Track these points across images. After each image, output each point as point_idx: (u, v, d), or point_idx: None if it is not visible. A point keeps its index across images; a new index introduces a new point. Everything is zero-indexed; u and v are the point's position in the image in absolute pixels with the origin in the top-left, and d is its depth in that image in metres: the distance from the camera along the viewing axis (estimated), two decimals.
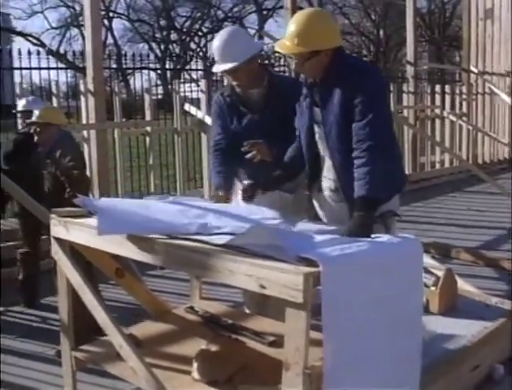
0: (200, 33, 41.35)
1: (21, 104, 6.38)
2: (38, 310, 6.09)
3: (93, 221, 3.20)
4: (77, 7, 39.30)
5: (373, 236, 3.02)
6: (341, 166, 3.49)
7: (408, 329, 2.81)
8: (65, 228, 3.32)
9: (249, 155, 3.90)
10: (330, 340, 2.48)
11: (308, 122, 3.62)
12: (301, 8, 9.39)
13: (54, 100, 7.76)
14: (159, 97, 9.07)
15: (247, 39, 4.18)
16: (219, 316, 3.98)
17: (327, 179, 3.67)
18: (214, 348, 3.32)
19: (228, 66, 3.93)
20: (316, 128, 3.60)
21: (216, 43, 4.01)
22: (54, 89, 8.02)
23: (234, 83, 4.14)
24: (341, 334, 2.52)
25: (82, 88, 7.47)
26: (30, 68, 8.89)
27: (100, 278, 4.65)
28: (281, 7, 33.00)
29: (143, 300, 4.13)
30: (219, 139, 4.29)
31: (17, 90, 7.92)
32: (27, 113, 6.16)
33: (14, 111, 6.41)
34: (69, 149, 5.57)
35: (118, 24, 39.57)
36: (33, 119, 5.63)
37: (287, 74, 10.82)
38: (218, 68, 4.06)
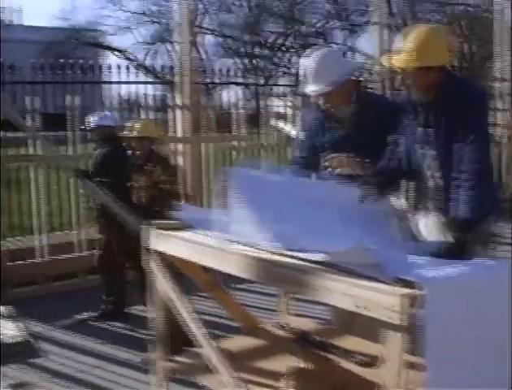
0: (284, 48, 41.53)
1: (93, 120, 6.50)
2: (127, 318, 6.24)
3: (188, 234, 3.25)
4: (164, 22, 40.44)
5: (469, 257, 2.98)
6: (447, 187, 3.44)
7: (498, 353, 2.72)
8: (160, 240, 3.39)
9: (328, 170, 3.89)
10: (433, 363, 2.43)
11: (415, 141, 3.57)
12: (389, 25, 9.32)
13: (144, 113, 7.95)
14: (246, 111, 9.07)
15: (340, 61, 4.16)
16: (308, 333, 3.96)
17: (432, 198, 3.61)
18: (306, 365, 3.30)
19: (322, 89, 3.92)
20: (424, 148, 3.54)
21: (309, 64, 3.98)
22: (141, 103, 8.21)
23: (324, 104, 4.11)
24: (445, 355, 2.47)
25: (174, 102, 7.62)
26: (120, 82, 9.05)
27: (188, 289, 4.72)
28: (367, 22, 32.75)
29: (233, 313, 4.16)
30: (301, 156, 4.30)
31: (107, 103, 8.09)
32: (100, 128, 6.33)
33: (86, 127, 6.51)
34: (163, 162, 5.68)
35: (208, 40, 40.27)
36: (133, 133, 5.72)
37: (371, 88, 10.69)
38: (310, 90, 4.02)
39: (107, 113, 6.77)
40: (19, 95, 7.99)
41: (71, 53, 37.23)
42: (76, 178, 5.88)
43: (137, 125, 5.82)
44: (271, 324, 4.20)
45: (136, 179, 5.69)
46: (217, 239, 3.16)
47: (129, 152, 5.95)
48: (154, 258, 3.49)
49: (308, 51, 4.14)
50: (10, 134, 7.80)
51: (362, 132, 4.00)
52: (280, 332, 4.06)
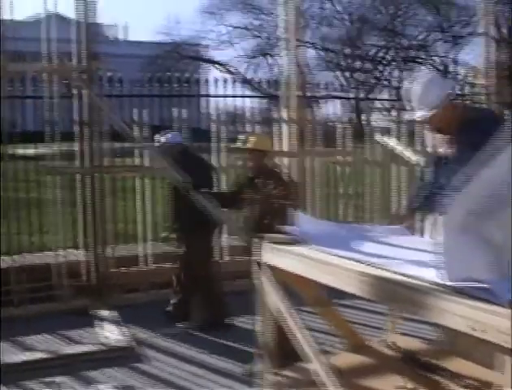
0: (385, 61, 41.09)
1: (162, 139, 6.61)
2: (230, 329, 6.35)
3: (301, 249, 3.30)
4: (265, 36, 40.88)
5: None
6: None
7: None
8: (273, 254, 3.44)
9: None
10: None
11: None
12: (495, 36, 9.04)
13: (249, 127, 8.06)
14: (349, 125, 9.01)
15: (442, 84, 4.11)
16: (415, 353, 3.91)
17: None
18: (413, 386, 3.27)
19: (425, 114, 3.90)
20: None
21: (412, 90, 3.98)
22: (245, 116, 8.32)
23: (430, 129, 4.08)
24: None
25: (279, 115, 7.70)
26: (225, 96, 9.19)
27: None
28: (471, 34, 31.94)
29: (340, 330, 4.16)
30: (416, 196, 4.28)
31: (213, 116, 8.17)
32: (170, 147, 6.47)
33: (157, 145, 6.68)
34: (276, 176, 5.68)
35: (310, 53, 40.29)
36: (246, 146, 5.78)
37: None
38: (413, 115, 4.02)
39: (175, 132, 6.88)
40: (126, 107, 8.30)
41: (174, 66, 38.34)
42: (183, 189, 6.02)
43: (250, 138, 5.86)
44: (378, 342, 4.18)
45: (248, 193, 5.71)
46: (330, 254, 3.19)
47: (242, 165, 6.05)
48: (265, 272, 3.55)
49: (410, 77, 4.13)
50: (117, 144, 8.14)
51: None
52: (387, 351, 4.04)
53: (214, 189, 6.61)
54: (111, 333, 6.06)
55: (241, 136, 6.05)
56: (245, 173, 5.95)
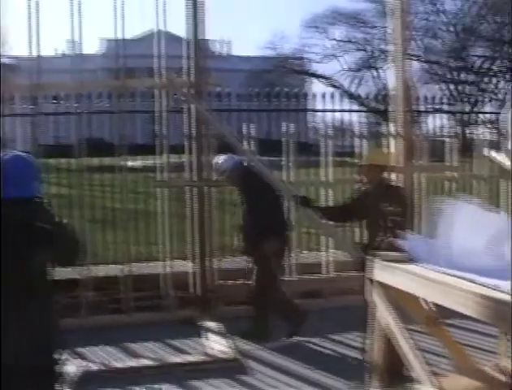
0: (491, 73, 39.80)
1: (216, 161, 6.66)
2: (334, 344, 6.28)
3: (412, 267, 3.22)
4: (372, 50, 40.57)
5: None
6: None
7: None
8: (386, 272, 3.38)
9: None
10: None
11: None
12: None
13: (357, 141, 7.96)
14: (456, 140, 8.74)
15: None
16: None
17: None
18: None
19: None
20: None
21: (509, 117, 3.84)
22: (352, 130, 8.24)
23: None
24: None
25: (387, 130, 7.57)
26: (332, 111, 9.11)
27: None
28: None
29: (450, 351, 4.03)
30: None
31: (321, 131, 8.12)
32: (231, 171, 6.47)
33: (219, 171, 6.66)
34: (395, 191, 5.50)
35: (414, 66, 39.68)
36: (365, 161, 5.67)
37: None
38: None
39: (230, 155, 6.73)
40: (234, 121, 8.42)
41: (279, 81, 38.68)
42: (297, 204, 6.01)
43: (369, 153, 5.76)
44: (490, 366, 4.02)
45: (365, 208, 5.57)
46: (440, 272, 3.10)
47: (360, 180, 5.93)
48: (376, 289, 3.49)
49: (507, 105, 3.98)
50: None
51: None
52: (499, 376, 3.86)
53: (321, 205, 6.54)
54: (217, 344, 6.12)
55: (359, 151, 5.93)
56: (360, 187, 5.83)
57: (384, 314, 3.44)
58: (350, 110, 9.74)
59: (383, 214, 5.12)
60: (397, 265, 3.38)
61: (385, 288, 3.49)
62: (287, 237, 6.67)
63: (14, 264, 2.98)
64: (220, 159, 6.61)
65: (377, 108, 10.97)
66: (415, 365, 3.25)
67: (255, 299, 6.39)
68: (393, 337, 3.39)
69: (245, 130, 7.62)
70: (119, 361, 5.87)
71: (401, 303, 3.72)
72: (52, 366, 3.19)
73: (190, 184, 7.22)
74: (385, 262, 3.47)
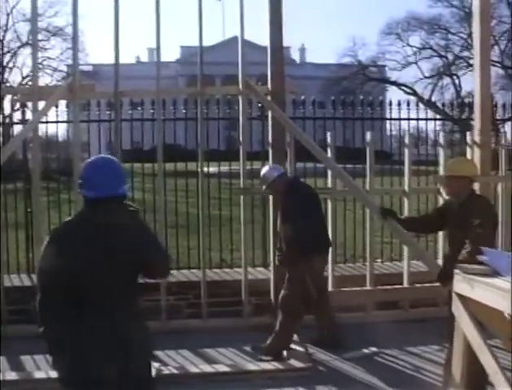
0: None
1: (262, 171, 6.56)
2: (411, 357, 6.17)
3: (496, 281, 3.13)
4: (450, 57, 39.84)
5: None
6: None
7: None
8: (469, 285, 3.29)
9: None
10: None
11: None
12: None
13: (441, 150, 7.79)
14: None
15: None
16: None
17: None
18: None
19: None
20: None
21: None
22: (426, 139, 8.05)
23: None
24: None
25: (469, 139, 7.40)
26: (409, 119, 8.94)
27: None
28: None
29: None
30: None
31: (406, 140, 7.93)
32: (268, 181, 6.40)
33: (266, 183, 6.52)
34: (479, 204, 5.34)
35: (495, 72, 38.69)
36: (450, 172, 5.48)
37: None
38: None
39: (274, 165, 6.70)
40: (310, 129, 8.39)
41: (358, 88, 38.49)
42: (382, 215, 5.93)
43: (451, 163, 5.60)
44: None
45: (451, 220, 5.29)
46: None
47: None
48: (460, 303, 3.41)
49: None
50: (308, 165, 8.24)
51: None
52: None
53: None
54: (295, 353, 6.10)
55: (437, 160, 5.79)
56: (448, 199, 5.67)
57: (466, 328, 3.35)
58: (428, 119, 9.56)
59: (465, 227, 4.93)
60: (478, 278, 3.30)
61: (466, 301, 3.41)
62: (328, 251, 6.63)
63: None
64: (266, 169, 6.56)
65: (456, 116, 10.73)
66: (499, 382, 3.15)
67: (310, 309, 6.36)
68: (478, 353, 3.29)
69: (321, 137, 7.58)
70: (195, 365, 5.93)
71: (482, 317, 3.62)
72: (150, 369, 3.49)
73: (271, 192, 7.18)
74: (466, 275, 3.38)
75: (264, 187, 6.56)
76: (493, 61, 36.63)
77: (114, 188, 3.21)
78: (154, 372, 5.36)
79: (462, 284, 3.38)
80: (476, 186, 7.02)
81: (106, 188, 3.18)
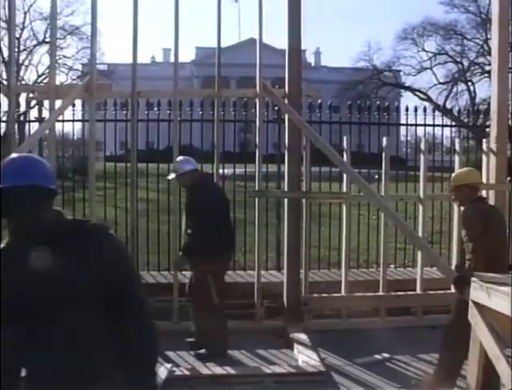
0: None
1: (177, 160, 6.50)
2: (423, 364, 6.12)
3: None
4: (465, 63, 39.66)
5: None
6: None
7: None
8: (486, 294, 3.27)
9: None
10: None
11: None
12: None
13: (446, 156, 7.78)
14: None
15: None
16: None
17: None
18: None
19: None
20: None
21: None
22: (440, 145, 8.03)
23: None
24: None
25: (486, 146, 7.36)
26: (424, 125, 8.86)
27: None
28: None
29: None
30: None
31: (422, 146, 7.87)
32: (188, 173, 6.27)
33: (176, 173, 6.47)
34: (464, 212, 5.38)
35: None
36: (453, 182, 5.57)
37: None
38: None
39: (186, 157, 6.55)
40: (325, 133, 8.37)
41: (372, 93, 38.38)
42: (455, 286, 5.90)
43: (457, 173, 5.64)
44: None
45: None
46: None
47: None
48: (477, 311, 3.38)
49: None
50: (324, 169, 8.22)
51: None
52: None
53: None
54: (307, 357, 6.08)
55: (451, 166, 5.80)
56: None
57: (482, 337, 3.33)
58: (444, 125, 9.54)
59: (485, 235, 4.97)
60: (496, 286, 3.27)
61: (483, 310, 3.38)
62: (232, 253, 6.62)
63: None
64: (181, 159, 6.46)
65: (471, 123, 10.67)
66: None
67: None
68: (495, 362, 3.26)
69: (335, 142, 7.56)
70: (206, 367, 5.92)
71: (498, 326, 3.59)
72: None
73: (286, 196, 7.19)
74: (484, 283, 3.36)
75: (173, 175, 6.45)
76: (510, 68, 36.52)
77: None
78: (165, 373, 5.45)
79: (478, 292, 3.35)
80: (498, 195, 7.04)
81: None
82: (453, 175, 5.73)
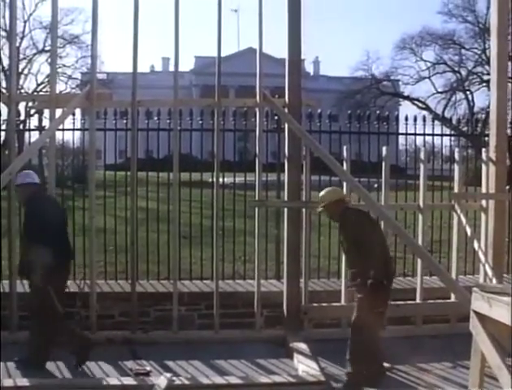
0: None
1: (18, 178, 6.35)
2: (423, 373, 6.09)
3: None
4: (463, 72, 39.77)
5: None
6: None
7: None
8: (488, 304, 3.27)
9: None
10: None
11: None
12: None
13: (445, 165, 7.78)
14: None
15: None
16: None
17: None
18: None
19: None
20: None
21: None
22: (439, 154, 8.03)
23: None
24: None
25: (485, 155, 7.38)
26: (424, 134, 8.86)
27: None
28: None
29: None
30: None
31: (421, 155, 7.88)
32: (24, 186, 6.25)
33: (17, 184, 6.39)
34: None
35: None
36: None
37: None
38: None
39: (30, 171, 6.52)
40: (325, 142, 8.37)
41: (371, 102, 38.49)
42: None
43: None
44: None
45: None
46: None
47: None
48: (478, 321, 3.39)
49: None
50: (324, 178, 8.21)
51: None
52: None
53: None
54: (307, 366, 6.06)
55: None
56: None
57: (484, 347, 3.33)
58: (443, 134, 9.53)
59: None
60: (497, 296, 3.27)
61: (484, 320, 3.38)
62: (69, 265, 6.54)
63: None
64: (24, 172, 6.39)
65: (469, 132, 10.69)
66: None
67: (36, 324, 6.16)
68: (497, 373, 3.27)
69: (334, 151, 7.55)
70: (206, 377, 5.90)
71: (500, 336, 3.60)
72: None
73: (286, 205, 7.19)
74: (485, 294, 3.36)
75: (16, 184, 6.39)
76: (509, 77, 36.57)
77: None
78: (165, 382, 5.43)
79: (480, 302, 3.36)
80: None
81: None
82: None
